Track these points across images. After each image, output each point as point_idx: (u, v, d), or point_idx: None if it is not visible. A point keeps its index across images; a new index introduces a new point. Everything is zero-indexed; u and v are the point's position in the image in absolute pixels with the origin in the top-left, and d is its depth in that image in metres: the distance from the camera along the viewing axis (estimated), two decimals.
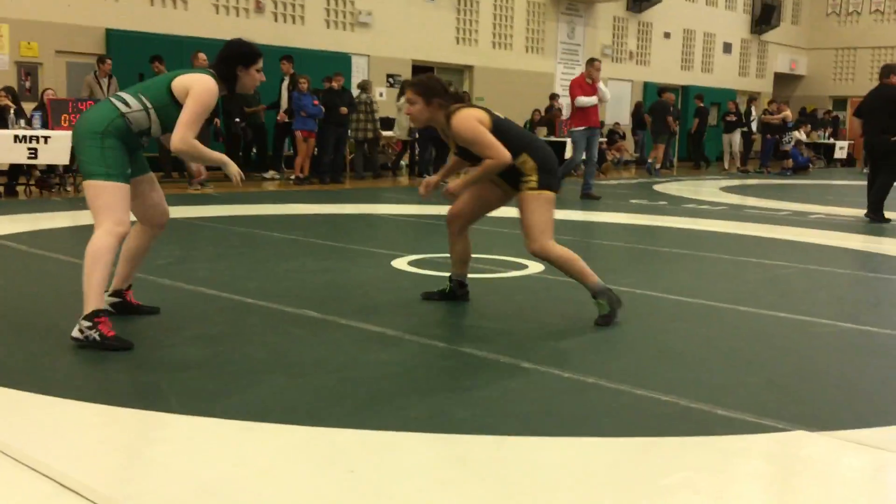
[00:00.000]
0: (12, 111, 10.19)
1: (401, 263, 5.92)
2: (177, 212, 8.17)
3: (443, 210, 9.67)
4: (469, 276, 4.79)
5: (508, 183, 4.34)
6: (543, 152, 4.29)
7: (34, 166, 10.40)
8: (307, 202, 10.17)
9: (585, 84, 11.16)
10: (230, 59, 3.90)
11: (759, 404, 3.08)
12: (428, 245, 6.94)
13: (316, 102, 12.60)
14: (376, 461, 2.49)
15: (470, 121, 4.15)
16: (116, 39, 12.88)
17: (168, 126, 3.81)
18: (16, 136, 9.66)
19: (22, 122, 10.12)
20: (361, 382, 3.26)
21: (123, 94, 3.81)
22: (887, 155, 9.38)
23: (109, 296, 4.10)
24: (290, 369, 3.40)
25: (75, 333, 3.62)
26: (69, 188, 10.58)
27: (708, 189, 13.96)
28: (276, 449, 2.57)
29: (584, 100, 11.09)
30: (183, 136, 3.70)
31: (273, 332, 3.99)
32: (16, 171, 10.39)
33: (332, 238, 7.29)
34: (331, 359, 3.59)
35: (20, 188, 10.38)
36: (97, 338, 3.58)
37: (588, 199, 11.39)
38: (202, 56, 11.41)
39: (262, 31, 14.42)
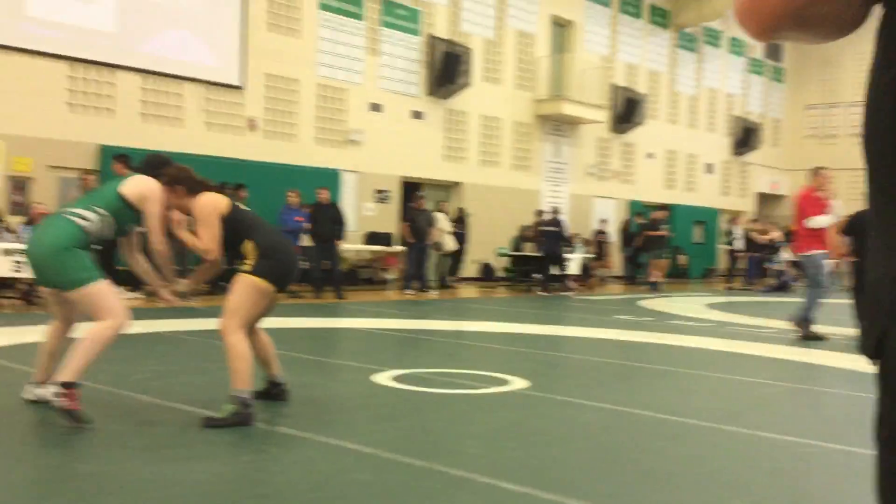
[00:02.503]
0: None
1: (382, 378, 5.83)
2: (158, 325, 8.10)
3: (427, 325, 9.63)
4: (450, 391, 4.71)
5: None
6: (269, 241, 4.50)
7: (18, 279, 10.38)
8: (292, 315, 10.10)
9: (816, 199, 8.86)
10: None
11: None
12: (412, 360, 6.87)
13: (299, 219, 12.67)
14: None
15: (206, 204, 4.44)
16: (110, 155, 13.04)
17: (123, 229, 4.39)
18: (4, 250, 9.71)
19: (6, 234, 10.14)
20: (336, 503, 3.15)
21: (77, 210, 4.25)
22: None
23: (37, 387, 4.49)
24: (257, 489, 3.29)
25: (46, 394, 4.09)
26: None
27: (694, 305, 13.99)
28: None
29: (820, 220, 8.74)
30: (161, 239, 4.36)
31: (244, 449, 3.88)
32: (0, 283, 10.37)
33: (313, 352, 7.20)
34: (303, 479, 3.48)
35: (4, 300, 10.31)
36: (65, 406, 3.96)
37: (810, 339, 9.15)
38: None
39: (254, 147, 14.74)
